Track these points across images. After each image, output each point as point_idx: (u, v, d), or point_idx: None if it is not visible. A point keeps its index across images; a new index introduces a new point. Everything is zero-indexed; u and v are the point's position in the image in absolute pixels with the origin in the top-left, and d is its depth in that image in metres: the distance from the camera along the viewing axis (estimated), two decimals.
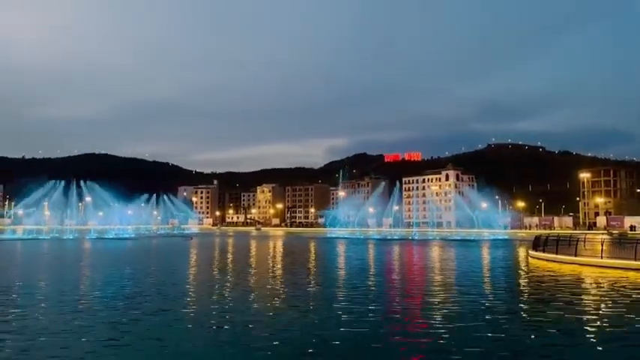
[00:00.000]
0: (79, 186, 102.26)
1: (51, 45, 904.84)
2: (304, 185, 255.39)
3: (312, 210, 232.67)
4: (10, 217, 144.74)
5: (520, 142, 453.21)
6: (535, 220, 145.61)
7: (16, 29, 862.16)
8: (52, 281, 28.06)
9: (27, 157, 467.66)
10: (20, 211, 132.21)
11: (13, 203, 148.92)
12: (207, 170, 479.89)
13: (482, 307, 19.09)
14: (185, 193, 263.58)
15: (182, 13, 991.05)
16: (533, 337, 14.48)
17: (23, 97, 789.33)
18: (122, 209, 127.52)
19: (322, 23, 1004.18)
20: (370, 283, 27.43)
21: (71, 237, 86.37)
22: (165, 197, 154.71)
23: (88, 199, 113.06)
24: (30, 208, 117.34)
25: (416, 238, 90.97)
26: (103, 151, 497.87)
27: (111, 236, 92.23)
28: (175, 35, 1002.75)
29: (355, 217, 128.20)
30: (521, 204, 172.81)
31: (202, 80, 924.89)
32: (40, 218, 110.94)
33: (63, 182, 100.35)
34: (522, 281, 28.84)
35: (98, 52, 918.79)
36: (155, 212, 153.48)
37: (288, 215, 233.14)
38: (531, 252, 43.03)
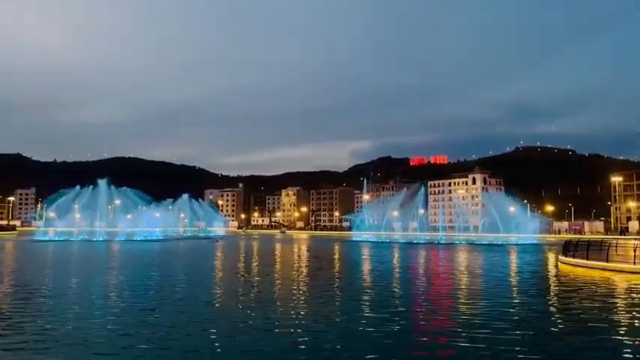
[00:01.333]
0: (108, 189, 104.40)
1: (78, 48, 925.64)
2: (329, 188, 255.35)
3: (337, 213, 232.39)
4: (42, 220, 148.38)
5: (549, 145, 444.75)
6: (565, 224, 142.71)
7: (45, 33, 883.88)
8: (83, 282, 28.81)
9: (58, 160, 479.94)
10: (52, 214, 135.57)
11: (45, 206, 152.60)
12: (232, 173, 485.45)
13: (519, 316, 18.77)
14: (211, 196, 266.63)
15: (205, 16, 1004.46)
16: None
17: (55, 100, 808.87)
18: (150, 212, 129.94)
19: (345, 24, 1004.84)
20: (395, 290, 27.38)
21: (101, 239, 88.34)
22: (191, 200, 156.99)
23: (117, 201, 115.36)
24: (61, 211, 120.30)
25: (442, 242, 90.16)
26: (132, 155, 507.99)
27: (139, 238, 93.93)
28: (201, 38, 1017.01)
29: (380, 221, 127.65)
30: (550, 208, 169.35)
31: (227, 83, 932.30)
32: (71, 220, 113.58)
33: (93, 185, 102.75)
34: (553, 288, 28.28)
35: (124, 54, 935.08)
36: (182, 215, 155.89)
37: (313, 218, 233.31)
38: (561, 257, 42.16)
